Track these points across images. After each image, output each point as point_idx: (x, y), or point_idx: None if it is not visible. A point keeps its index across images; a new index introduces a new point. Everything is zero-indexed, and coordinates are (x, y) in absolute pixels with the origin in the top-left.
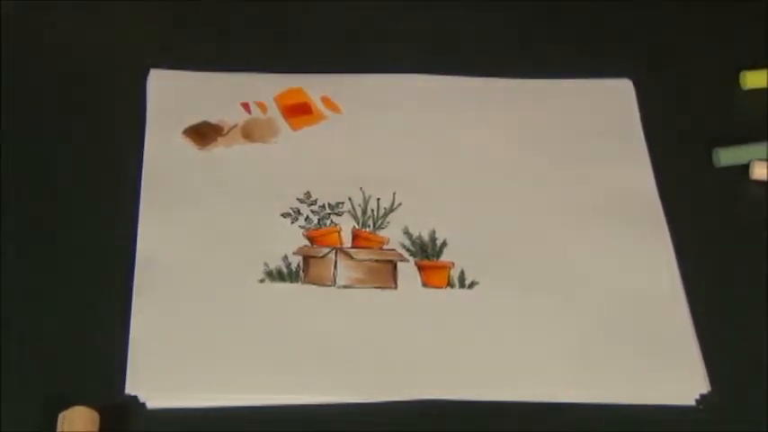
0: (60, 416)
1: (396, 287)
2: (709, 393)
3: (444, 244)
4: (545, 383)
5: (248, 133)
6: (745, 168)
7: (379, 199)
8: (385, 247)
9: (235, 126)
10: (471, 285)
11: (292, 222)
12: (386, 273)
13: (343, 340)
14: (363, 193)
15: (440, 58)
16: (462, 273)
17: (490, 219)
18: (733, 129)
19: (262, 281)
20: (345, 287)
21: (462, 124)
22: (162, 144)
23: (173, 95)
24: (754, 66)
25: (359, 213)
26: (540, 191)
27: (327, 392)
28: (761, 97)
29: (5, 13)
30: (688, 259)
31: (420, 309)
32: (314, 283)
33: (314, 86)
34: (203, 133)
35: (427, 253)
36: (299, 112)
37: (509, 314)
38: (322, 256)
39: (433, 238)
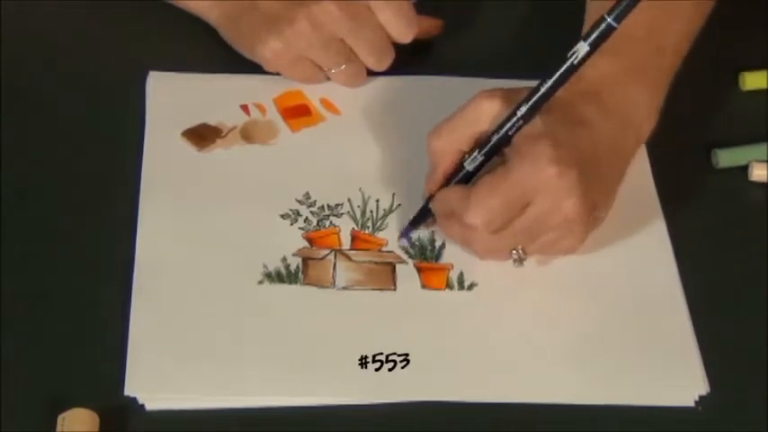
0: (60, 417)
1: (395, 289)
2: (709, 394)
3: (443, 245)
4: (545, 384)
5: (247, 135)
6: (744, 169)
7: (378, 200)
8: (384, 248)
9: (234, 128)
10: (470, 287)
11: (291, 224)
12: (385, 274)
13: (342, 342)
14: (363, 195)
15: (439, 58)
16: (461, 274)
17: None
18: (732, 130)
19: (261, 282)
20: (344, 289)
21: None
22: (161, 146)
23: (172, 97)
24: (754, 67)
25: (358, 215)
26: None
27: (326, 394)
28: (760, 98)
29: (5, 13)
30: (688, 259)
31: (419, 310)
32: (313, 285)
33: (313, 88)
34: (202, 135)
35: (426, 254)
36: (298, 113)
37: (508, 316)
38: (321, 258)
39: (431, 240)
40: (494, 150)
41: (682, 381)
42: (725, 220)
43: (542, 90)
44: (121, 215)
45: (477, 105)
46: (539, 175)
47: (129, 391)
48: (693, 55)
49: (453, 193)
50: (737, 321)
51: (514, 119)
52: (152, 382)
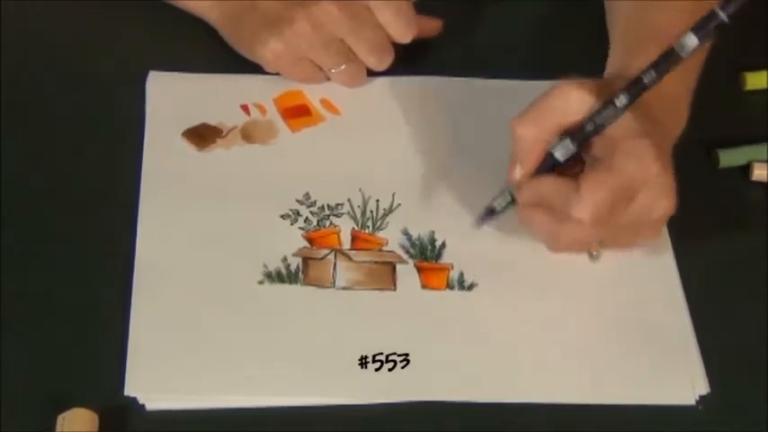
0: (59, 417)
1: (395, 289)
2: (709, 394)
3: (443, 245)
4: (545, 384)
5: (248, 135)
6: (744, 169)
7: (378, 200)
8: (384, 248)
9: (234, 128)
10: (470, 287)
11: (291, 224)
12: (385, 274)
13: (342, 342)
14: (363, 195)
15: (439, 58)
16: (462, 274)
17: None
18: (733, 130)
19: (261, 282)
20: (345, 289)
21: (461, 125)
22: (161, 146)
23: (172, 97)
24: (755, 67)
25: (358, 214)
26: None
27: (326, 394)
28: (761, 98)
29: (5, 13)
30: (688, 259)
31: (419, 310)
32: (313, 285)
33: (313, 88)
34: (202, 135)
35: (426, 254)
36: (298, 113)
37: (508, 316)
38: (321, 258)
39: (432, 240)
40: (585, 140)
41: (682, 381)
42: (725, 220)
43: (645, 81)
44: (121, 215)
45: (564, 94)
46: (644, 173)
47: (129, 391)
48: None
49: (552, 185)
50: (737, 321)
51: (612, 109)
52: (152, 382)
